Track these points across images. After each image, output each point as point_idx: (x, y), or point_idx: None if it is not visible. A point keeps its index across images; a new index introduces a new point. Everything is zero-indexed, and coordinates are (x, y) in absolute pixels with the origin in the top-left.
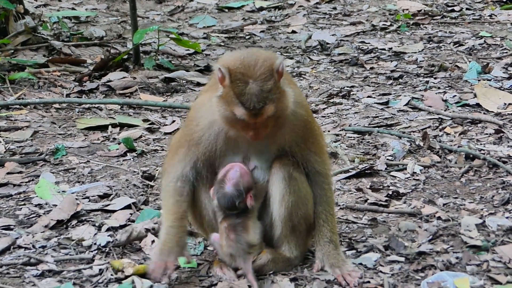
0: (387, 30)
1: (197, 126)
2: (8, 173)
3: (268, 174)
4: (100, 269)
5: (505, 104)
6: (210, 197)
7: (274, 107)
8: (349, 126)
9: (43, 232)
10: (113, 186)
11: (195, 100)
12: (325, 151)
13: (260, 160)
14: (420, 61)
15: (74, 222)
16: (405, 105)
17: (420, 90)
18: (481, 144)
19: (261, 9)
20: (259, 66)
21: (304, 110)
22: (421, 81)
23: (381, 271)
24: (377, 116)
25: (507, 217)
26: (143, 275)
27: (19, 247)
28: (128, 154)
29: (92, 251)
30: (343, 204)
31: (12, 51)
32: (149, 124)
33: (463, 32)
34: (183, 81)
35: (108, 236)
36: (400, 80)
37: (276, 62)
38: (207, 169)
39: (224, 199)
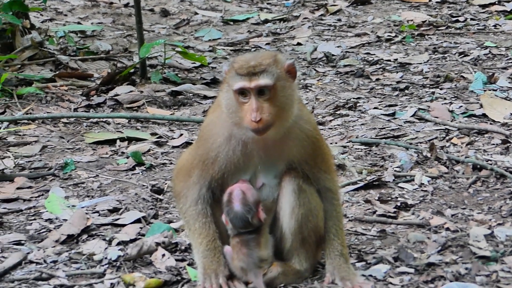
0: (392, 41)
1: (213, 144)
2: (17, 188)
3: (276, 191)
4: (111, 284)
5: (511, 114)
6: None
7: (271, 81)
8: (356, 137)
9: (54, 247)
10: (123, 200)
11: (204, 121)
12: (333, 169)
13: (268, 177)
14: (425, 72)
15: (84, 236)
16: (411, 116)
17: (426, 101)
18: (488, 155)
19: (266, 21)
20: (261, 54)
21: (313, 127)
22: (427, 92)
23: (391, 283)
24: (384, 128)
25: None
26: None
27: (30, 262)
28: (136, 168)
29: (103, 266)
30: (352, 216)
31: (19, 66)
32: (157, 138)
33: (468, 43)
34: (190, 94)
35: (118, 250)
36: (406, 91)
37: (281, 56)
38: (220, 188)
39: (237, 219)
